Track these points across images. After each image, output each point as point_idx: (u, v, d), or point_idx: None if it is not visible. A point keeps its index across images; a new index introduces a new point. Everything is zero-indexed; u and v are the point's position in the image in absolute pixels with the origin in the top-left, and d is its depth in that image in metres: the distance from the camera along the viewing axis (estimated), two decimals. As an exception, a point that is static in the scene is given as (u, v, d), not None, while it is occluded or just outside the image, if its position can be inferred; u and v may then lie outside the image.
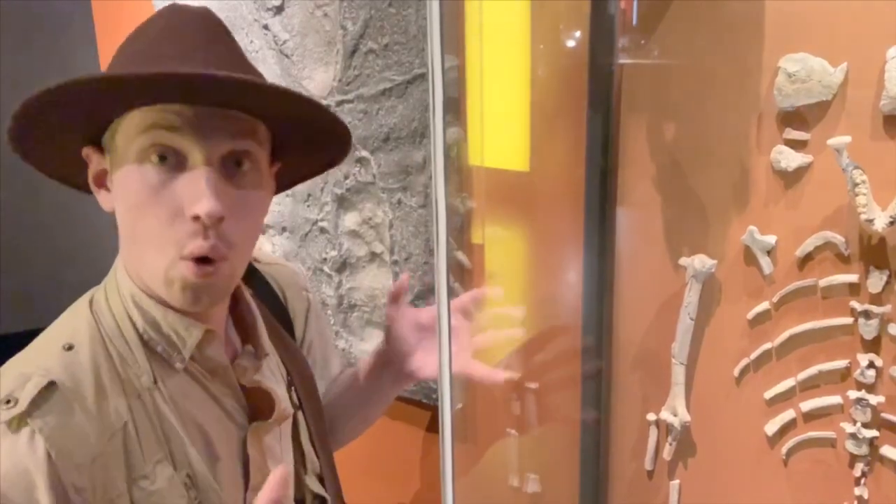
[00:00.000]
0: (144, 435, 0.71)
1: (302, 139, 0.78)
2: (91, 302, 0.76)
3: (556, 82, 0.98)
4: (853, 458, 0.77)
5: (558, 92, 0.97)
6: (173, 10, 0.74)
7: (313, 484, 0.89)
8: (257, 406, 0.81)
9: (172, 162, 0.67)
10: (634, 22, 0.86)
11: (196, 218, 0.66)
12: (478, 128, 1.08)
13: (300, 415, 0.89)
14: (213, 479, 0.74)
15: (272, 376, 0.83)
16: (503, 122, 1.05)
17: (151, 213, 0.67)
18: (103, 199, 0.74)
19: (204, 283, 0.69)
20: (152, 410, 0.72)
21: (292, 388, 0.89)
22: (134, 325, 0.73)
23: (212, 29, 0.73)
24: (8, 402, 0.64)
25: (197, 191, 0.66)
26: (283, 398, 0.82)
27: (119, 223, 0.71)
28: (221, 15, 1.60)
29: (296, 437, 0.88)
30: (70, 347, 0.70)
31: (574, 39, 0.93)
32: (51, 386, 0.66)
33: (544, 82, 0.99)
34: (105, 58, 2.33)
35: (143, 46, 0.70)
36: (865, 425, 0.75)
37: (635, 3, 0.86)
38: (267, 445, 0.80)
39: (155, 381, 0.73)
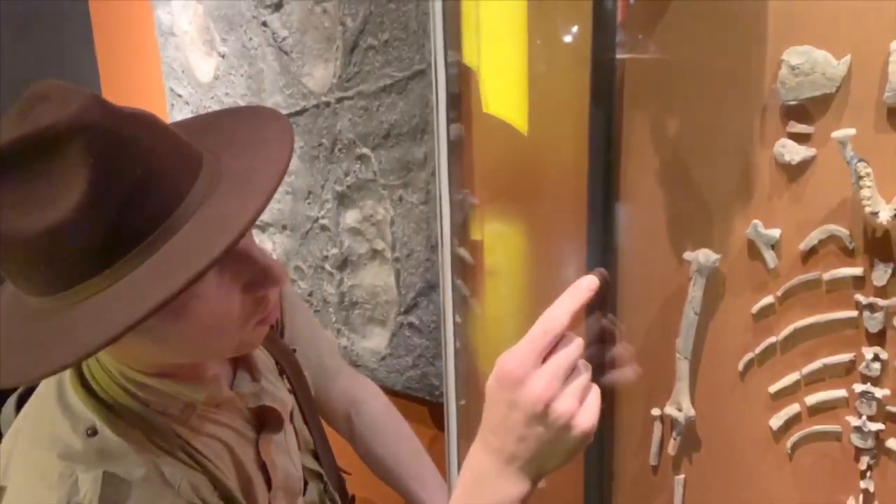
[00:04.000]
0: (201, 487, 0.71)
1: None
2: (61, 396, 0.70)
3: (557, 77, 0.97)
4: (858, 452, 0.77)
5: (560, 87, 0.97)
6: None
7: (308, 461, 0.89)
8: (263, 416, 0.81)
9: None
10: (636, 15, 0.86)
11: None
12: (479, 123, 1.08)
13: (291, 397, 0.90)
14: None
15: (272, 386, 0.83)
16: (504, 117, 1.04)
17: (216, 313, 0.65)
18: None
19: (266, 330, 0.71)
20: (189, 461, 0.72)
21: (283, 374, 0.89)
22: (136, 396, 0.71)
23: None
24: None
25: (263, 270, 0.65)
26: (284, 402, 0.83)
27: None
28: (219, 12, 1.60)
29: (290, 419, 0.88)
30: (94, 432, 0.67)
31: (575, 34, 0.92)
32: (108, 477, 0.63)
33: (545, 77, 0.98)
34: (102, 56, 2.32)
35: None
36: (871, 418, 0.75)
37: (635, -3, 0.85)
38: (276, 442, 0.81)
39: (178, 435, 0.72)
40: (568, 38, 0.94)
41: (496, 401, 0.58)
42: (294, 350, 0.94)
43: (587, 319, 0.63)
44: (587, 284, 0.59)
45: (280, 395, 0.84)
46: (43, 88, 0.56)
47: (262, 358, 0.86)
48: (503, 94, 1.04)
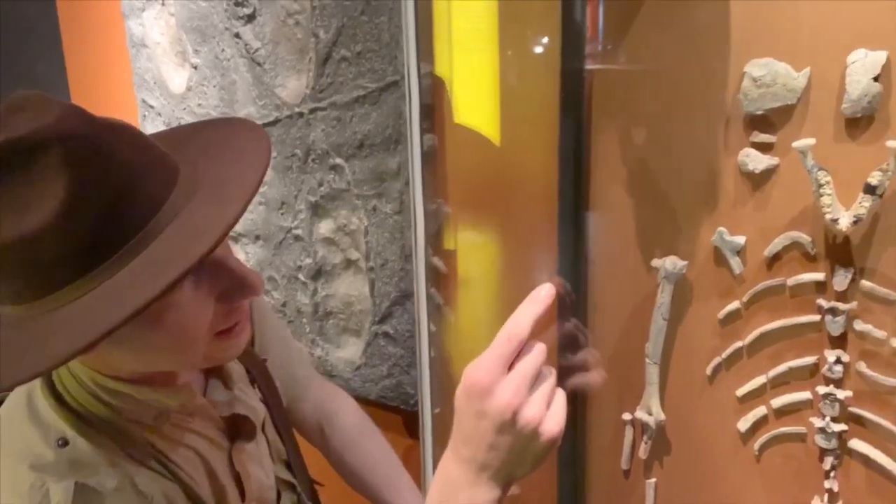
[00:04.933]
0: (174, 497, 0.70)
1: None
2: (30, 406, 0.70)
3: (528, 88, 0.99)
4: (823, 452, 0.79)
5: (530, 98, 0.99)
6: None
7: (281, 471, 0.89)
8: (235, 425, 0.81)
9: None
10: (604, 28, 0.88)
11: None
12: (452, 134, 1.09)
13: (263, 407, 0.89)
14: None
15: (244, 395, 0.83)
16: (476, 127, 1.06)
17: (189, 322, 0.65)
18: None
19: (242, 339, 0.70)
20: (162, 471, 0.71)
21: (255, 383, 0.89)
22: (108, 405, 0.70)
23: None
24: None
25: (238, 280, 0.65)
26: (256, 411, 0.83)
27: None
28: (192, 24, 1.60)
29: (262, 429, 0.88)
30: (65, 443, 0.66)
31: (545, 47, 0.94)
32: (80, 488, 0.63)
33: (516, 88, 1.00)
34: (71, 65, 2.30)
35: None
36: (834, 420, 0.77)
37: (604, 9, 0.87)
38: (249, 453, 0.81)
39: (151, 444, 0.71)
40: (538, 51, 0.96)
41: (465, 411, 0.59)
42: (265, 360, 0.94)
43: (553, 326, 0.64)
44: (546, 292, 0.60)
45: (252, 404, 0.83)
46: (20, 99, 0.56)
47: (234, 367, 0.86)
48: (475, 104, 1.05)
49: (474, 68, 1.04)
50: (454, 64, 1.05)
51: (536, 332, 0.59)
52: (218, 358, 0.70)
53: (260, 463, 0.83)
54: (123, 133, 0.59)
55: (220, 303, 0.65)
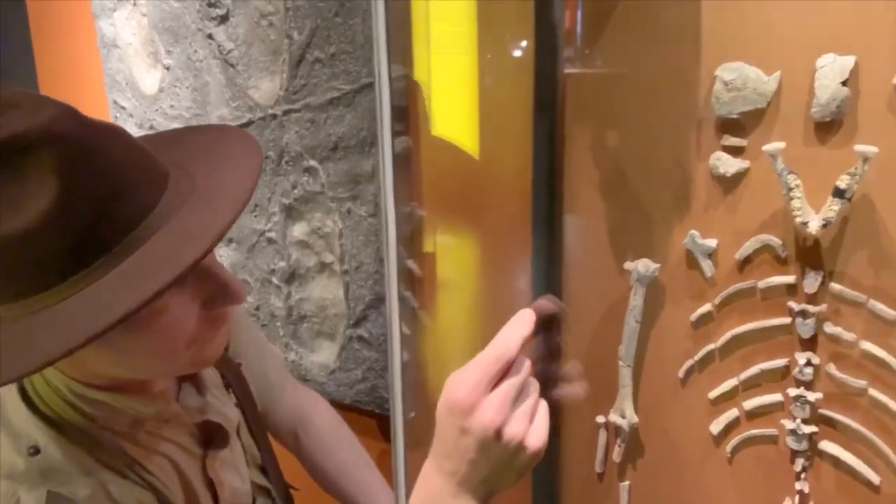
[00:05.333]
0: None
1: None
2: (1, 413, 0.68)
3: (504, 91, 0.99)
4: (794, 454, 0.79)
5: (506, 101, 0.98)
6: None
7: (256, 476, 0.88)
8: (209, 431, 0.80)
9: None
10: (578, 32, 0.88)
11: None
12: (428, 137, 1.09)
13: (238, 412, 0.88)
14: None
15: (217, 401, 0.82)
16: (452, 130, 1.05)
17: (172, 330, 0.64)
18: None
19: (221, 343, 0.69)
20: (136, 479, 0.70)
21: (230, 388, 0.88)
22: (82, 412, 0.68)
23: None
24: None
25: (223, 287, 0.64)
26: (229, 417, 0.82)
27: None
28: (164, 24, 1.58)
29: (237, 434, 0.87)
30: (36, 451, 0.64)
31: (521, 50, 0.94)
32: (52, 497, 0.61)
33: (493, 91, 1.00)
34: (41, 65, 2.26)
35: None
36: (805, 421, 0.77)
37: (579, 14, 0.87)
38: (223, 459, 0.80)
39: (124, 452, 0.70)
40: (513, 54, 0.96)
41: (447, 426, 0.58)
42: (240, 364, 0.93)
43: (540, 336, 0.64)
44: (531, 314, 0.60)
45: (225, 410, 0.82)
46: (12, 97, 0.56)
47: (208, 372, 0.84)
48: (452, 107, 1.05)
49: (452, 71, 1.03)
50: (432, 66, 1.04)
51: (529, 341, 0.59)
52: (198, 364, 0.69)
53: (235, 469, 0.82)
54: (115, 136, 0.59)
55: (204, 309, 0.65)
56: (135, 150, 0.60)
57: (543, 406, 0.60)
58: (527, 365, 0.59)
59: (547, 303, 0.63)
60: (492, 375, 0.57)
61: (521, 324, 0.59)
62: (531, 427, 0.57)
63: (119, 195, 0.56)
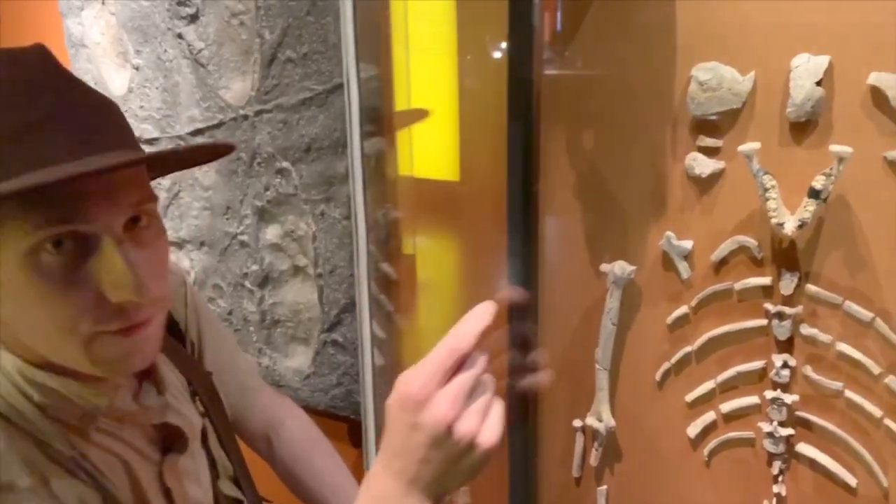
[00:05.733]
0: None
1: (184, 164, 0.77)
2: None
3: (482, 93, 0.98)
4: (771, 457, 0.79)
5: (484, 102, 0.97)
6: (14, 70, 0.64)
7: (228, 488, 0.86)
8: (168, 437, 0.77)
9: (70, 246, 0.60)
10: (552, 33, 0.87)
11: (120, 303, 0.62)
12: (406, 138, 1.07)
13: (206, 421, 0.86)
14: None
15: (176, 402, 0.80)
16: (431, 132, 1.04)
17: (58, 302, 0.60)
18: None
19: (137, 348, 0.65)
20: (82, 475, 0.67)
21: (196, 397, 0.85)
22: (30, 399, 0.66)
23: (66, 84, 0.64)
24: None
25: (119, 277, 0.60)
26: (191, 422, 0.79)
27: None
28: (133, 24, 1.55)
29: (204, 444, 0.85)
30: None
31: (497, 52, 0.93)
32: None
33: (471, 92, 0.98)
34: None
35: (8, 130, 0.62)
36: (782, 424, 0.77)
37: (559, 15, 0.87)
38: (183, 469, 0.77)
39: (73, 447, 0.67)
40: (488, 54, 0.95)
41: (398, 422, 0.57)
42: (210, 373, 0.91)
43: (507, 326, 0.63)
44: (490, 307, 0.59)
45: (186, 414, 0.80)
46: None
47: (172, 378, 0.82)
48: (430, 109, 1.04)
49: (430, 71, 1.02)
50: (410, 67, 1.03)
51: (488, 334, 0.58)
52: (103, 364, 0.65)
53: (197, 479, 0.80)
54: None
55: (100, 296, 0.62)
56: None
57: (499, 404, 0.58)
58: (482, 360, 0.58)
59: (512, 292, 0.62)
60: (445, 369, 0.56)
61: (478, 317, 0.58)
62: (484, 424, 0.56)
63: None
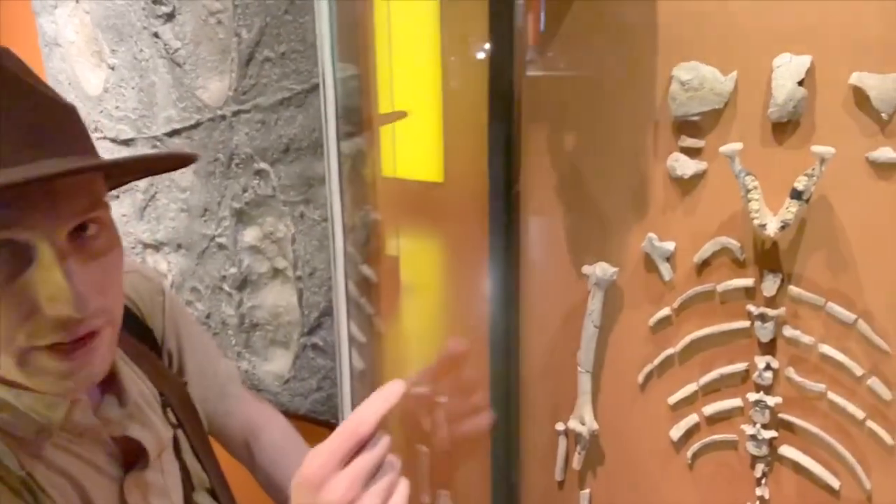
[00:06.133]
0: None
1: (143, 173, 0.74)
2: None
3: (464, 93, 0.97)
4: (754, 459, 0.78)
5: (467, 103, 0.96)
6: None
7: (204, 500, 0.84)
8: (130, 451, 0.75)
9: (6, 254, 0.57)
10: (534, 33, 0.86)
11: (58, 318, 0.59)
12: (388, 138, 1.06)
13: (180, 433, 0.84)
14: None
15: (141, 415, 0.77)
16: (414, 132, 1.03)
17: None
18: None
19: (79, 365, 0.61)
20: (27, 497, 0.64)
21: (167, 408, 0.83)
22: None
23: (16, 87, 0.61)
24: None
25: (55, 290, 0.57)
26: (158, 435, 0.77)
27: None
28: (108, 22, 1.52)
29: (178, 456, 0.83)
30: None
31: (483, 51, 0.92)
32: None
33: (453, 93, 0.97)
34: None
35: None
36: (764, 426, 0.76)
37: (542, 15, 0.86)
38: (149, 483, 0.75)
39: (22, 467, 0.64)
40: (470, 55, 0.94)
41: (297, 501, 0.58)
42: (185, 383, 0.89)
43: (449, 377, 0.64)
44: (395, 388, 0.59)
45: (151, 426, 0.77)
46: None
47: (139, 389, 0.80)
48: (412, 109, 1.02)
49: (412, 72, 1.01)
50: (394, 67, 1.02)
51: (441, 376, 0.58)
52: (50, 376, 0.62)
53: (165, 494, 0.77)
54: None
55: (36, 309, 0.58)
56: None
57: (402, 485, 0.59)
58: (384, 443, 0.58)
59: (454, 344, 0.63)
60: (345, 451, 0.56)
61: (381, 399, 0.58)
62: None
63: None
